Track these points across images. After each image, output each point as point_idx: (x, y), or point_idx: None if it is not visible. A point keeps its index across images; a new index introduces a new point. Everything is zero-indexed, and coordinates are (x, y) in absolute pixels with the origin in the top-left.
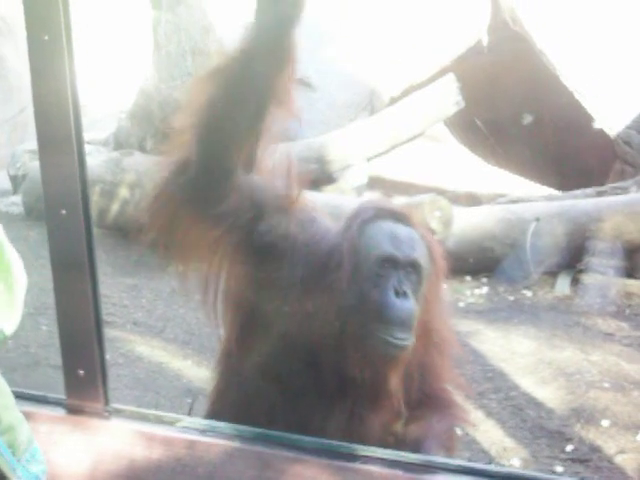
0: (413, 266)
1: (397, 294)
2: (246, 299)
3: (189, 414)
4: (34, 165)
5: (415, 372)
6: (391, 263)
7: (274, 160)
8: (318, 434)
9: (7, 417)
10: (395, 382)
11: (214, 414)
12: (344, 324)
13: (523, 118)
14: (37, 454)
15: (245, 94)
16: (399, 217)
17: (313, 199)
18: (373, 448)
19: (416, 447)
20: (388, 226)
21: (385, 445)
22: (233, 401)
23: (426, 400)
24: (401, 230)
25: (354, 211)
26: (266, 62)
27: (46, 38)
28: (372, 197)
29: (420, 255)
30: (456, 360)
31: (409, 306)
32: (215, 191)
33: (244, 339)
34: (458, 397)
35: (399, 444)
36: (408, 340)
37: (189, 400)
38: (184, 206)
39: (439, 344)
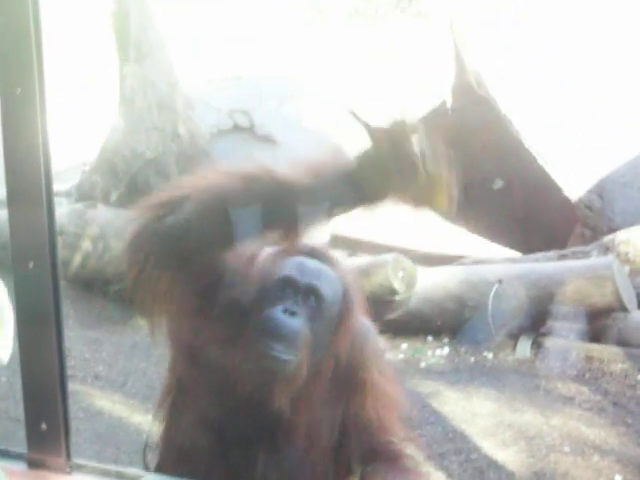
0: (313, 293)
1: (285, 312)
2: (184, 332)
3: (144, 465)
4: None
5: (353, 425)
6: (290, 286)
7: None
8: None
9: None
10: (290, 403)
11: (162, 462)
12: (243, 345)
13: (494, 183)
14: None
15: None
16: (316, 254)
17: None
18: None
19: None
20: (300, 259)
21: None
22: (176, 446)
23: (376, 455)
24: (311, 263)
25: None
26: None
27: (19, 92)
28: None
29: (325, 285)
30: (405, 415)
31: (294, 324)
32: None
33: (182, 375)
34: (409, 450)
35: None
36: (288, 355)
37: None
38: (162, 248)
39: (378, 396)
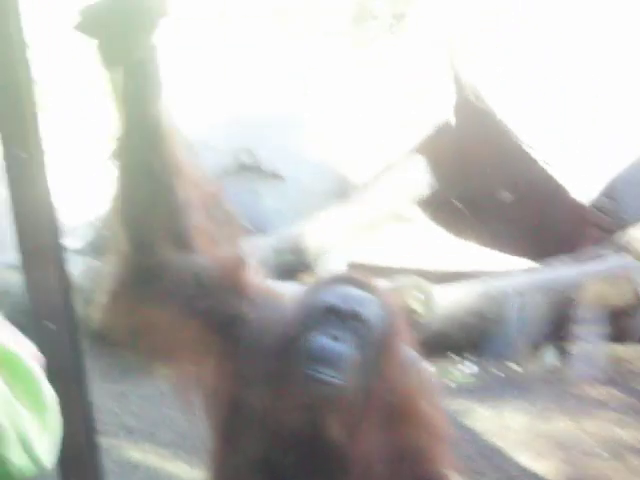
0: (357, 319)
1: (330, 337)
2: (218, 390)
3: None
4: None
5: (402, 455)
6: (334, 313)
7: (219, 241)
8: None
9: None
10: (344, 432)
11: None
12: (289, 377)
13: (501, 195)
14: None
15: (140, 173)
16: (357, 282)
17: (290, 290)
18: None
19: None
20: (342, 288)
21: None
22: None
23: None
24: (353, 291)
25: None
26: (142, 136)
27: (24, 156)
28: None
29: (368, 312)
30: (450, 443)
31: (340, 348)
32: (150, 272)
33: (226, 432)
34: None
35: None
36: (335, 378)
37: None
38: (132, 298)
39: (427, 426)
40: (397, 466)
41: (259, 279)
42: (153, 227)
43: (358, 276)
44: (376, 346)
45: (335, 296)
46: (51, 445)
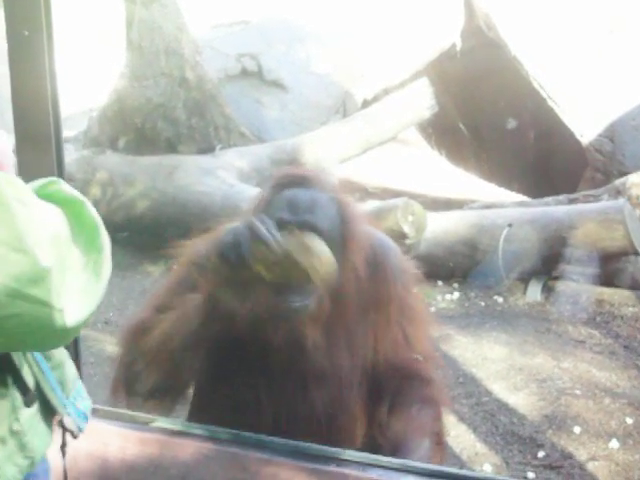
0: (309, 228)
1: None
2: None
3: None
4: None
5: (381, 343)
6: (284, 228)
7: None
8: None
9: (57, 353)
10: (322, 338)
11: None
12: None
13: (507, 123)
14: (82, 390)
15: None
16: (304, 183)
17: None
18: (348, 451)
19: (398, 443)
20: (290, 193)
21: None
22: (211, 401)
23: (402, 374)
24: (302, 195)
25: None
26: None
27: (26, 34)
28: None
29: (320, 217)
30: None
31: None
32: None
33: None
34: (435, 373)
35: (382, 436)
36: (305, 300)
37: None
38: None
39: (403, 310)
40: (378, 356)
41: None
42: None
43: (305, 174)
44: (337, 244)
45: (283, 207)
46: (95, 299)
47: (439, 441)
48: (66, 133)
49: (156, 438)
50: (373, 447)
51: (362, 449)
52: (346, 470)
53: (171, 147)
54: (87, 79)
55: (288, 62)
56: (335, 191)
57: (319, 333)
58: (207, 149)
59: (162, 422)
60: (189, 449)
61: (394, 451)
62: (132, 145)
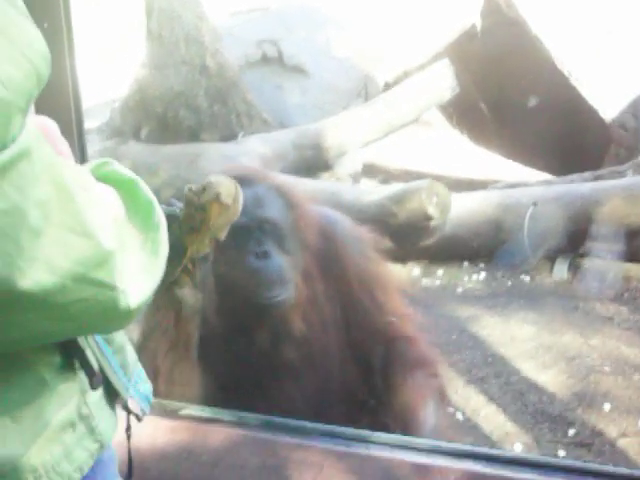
0: (266, 223)
1: (257, 256)
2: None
3: None
4: None
5: (353, 314)
6: (241, 229)
7: None
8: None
9: (118, 337)
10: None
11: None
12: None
13: (528, 101)
14: (142, 374)
15: None
16: (246, 182)
17: (310, 186)
18: (378, 433)
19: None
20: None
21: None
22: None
23: (387, 345)
24: (245, 193)
25: None
26: None
27: (45, 26)
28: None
29: (270, 210)
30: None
31: (272, 264)
32: None
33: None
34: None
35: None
36: (284, 294)
37: None
38: None
39: (365, 277)
40: (354, 328)
41: None
42: None
43: (244, 173)
44: (289, 228)
45: None
46: (155, 278)
47: (442, 398)
48: (89, 124)
49: (186, 425)
50: (377, 423)
51: (366, 425)
52: (376, 452)
53: (194, 135)
54: (108, 69)
55: (308, 47)
56: (276, 182)
57: (300, 319)
58: (230, 136)
59: (191, 409)
60: (219, 435)
61: (401, 427)
62: (155, 134)
